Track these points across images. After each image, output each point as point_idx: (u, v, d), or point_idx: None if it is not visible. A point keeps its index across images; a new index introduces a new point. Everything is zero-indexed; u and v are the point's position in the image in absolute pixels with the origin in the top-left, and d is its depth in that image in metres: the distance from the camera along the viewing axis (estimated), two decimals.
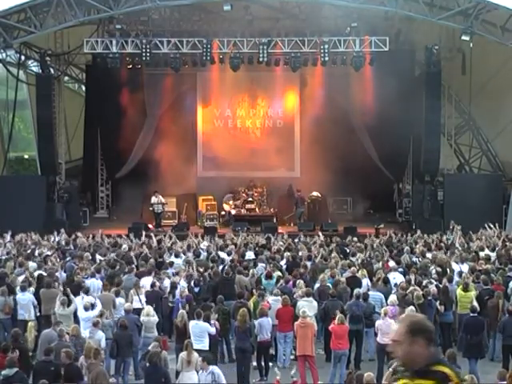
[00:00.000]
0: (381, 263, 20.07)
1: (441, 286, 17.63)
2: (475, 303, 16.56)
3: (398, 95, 29.90)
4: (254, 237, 25.92)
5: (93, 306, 15.94)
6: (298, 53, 29.75)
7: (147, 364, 13.12)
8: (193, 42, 29.49)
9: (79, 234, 25.90)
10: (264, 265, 19.98)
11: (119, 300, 16.88)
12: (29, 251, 21.94)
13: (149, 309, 16.25)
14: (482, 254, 21.14)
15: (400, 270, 19.36)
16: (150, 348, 13.73)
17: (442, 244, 23.25)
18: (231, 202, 32.74)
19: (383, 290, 17.59)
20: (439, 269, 18.99)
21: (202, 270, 19.27)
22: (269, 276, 18.70)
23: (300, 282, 17.80)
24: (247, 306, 16.67)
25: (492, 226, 25.10)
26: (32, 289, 17.68)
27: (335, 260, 20.38)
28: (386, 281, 18.05)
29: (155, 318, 16.11)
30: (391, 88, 30.28)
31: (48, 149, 31.17)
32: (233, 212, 32.65)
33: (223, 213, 32.66)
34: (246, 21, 30.33)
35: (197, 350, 14.05)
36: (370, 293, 17.41)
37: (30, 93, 34.73)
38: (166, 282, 18.48)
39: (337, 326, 15.49)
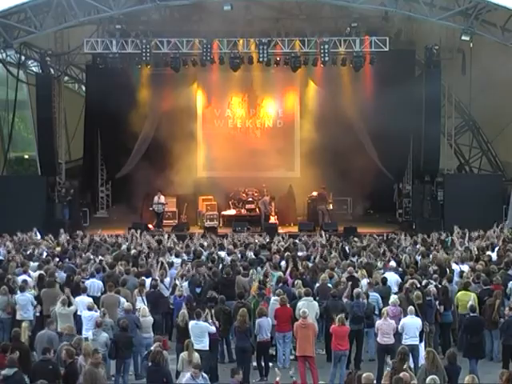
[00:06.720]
0: (380, 263, 20.05)
1: (440, 286, 17.62)
2: (475, 303, 16.54)
3: (398, 95, 29.89)
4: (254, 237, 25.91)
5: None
6: (298, 53, 29.79)
7: (149, 363, 13.12)
8: (193, 42, 29.50)
9: (79, 233, 25.94)
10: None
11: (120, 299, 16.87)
12: (29, 251, 21.93)
13: (144, 309, 16.26)
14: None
15: (400, 270, 19.37)
16: (152, 348, 13.73)
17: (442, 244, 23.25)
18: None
19: (381, 291, 17.57)
20: (439, 269, 18.97)
21: (202, 270, 19.25)
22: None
23: (298, 283, 17.79)
24: (248, 306, 16.67)
25: (496, 226, 25.00)
26: (33, 290, 17.66)
27: (336, 260, 20.38)
28: (384, 281, 18.03)
29: (150, 318, 16.13)
30: (391, 88, 30.29)
31: (48, 149, 31.23)
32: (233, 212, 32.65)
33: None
34: (245, 21, 30.34)
35: (197, 350, 14.04)
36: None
37: (30, 93, 34.71)
38: (166, 282, 18.47)
39: (337, 326, 15.47)
